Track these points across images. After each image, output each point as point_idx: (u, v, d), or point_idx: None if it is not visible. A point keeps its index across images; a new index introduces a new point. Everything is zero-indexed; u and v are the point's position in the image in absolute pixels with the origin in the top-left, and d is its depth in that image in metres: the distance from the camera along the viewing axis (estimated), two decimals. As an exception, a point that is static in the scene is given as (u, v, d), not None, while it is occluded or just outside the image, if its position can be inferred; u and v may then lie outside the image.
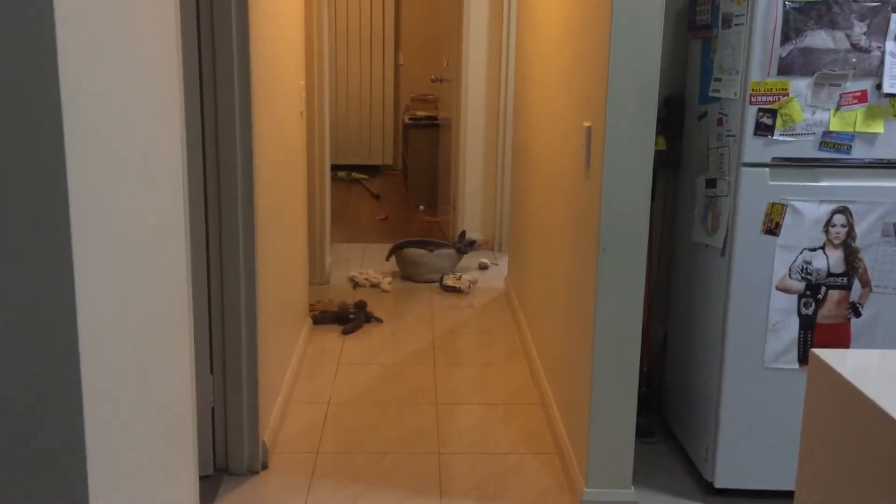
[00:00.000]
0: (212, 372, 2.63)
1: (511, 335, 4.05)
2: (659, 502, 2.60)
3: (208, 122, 2.48)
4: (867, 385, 1.21)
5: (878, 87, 2.35)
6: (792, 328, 2.48)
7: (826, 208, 2.42)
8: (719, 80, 2.51)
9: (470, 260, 5.22)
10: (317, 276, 4.69)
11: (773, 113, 2.37)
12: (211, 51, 2.45)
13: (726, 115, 2.49)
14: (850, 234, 2.43)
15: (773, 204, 2.43)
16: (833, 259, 2.45)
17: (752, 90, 2.37)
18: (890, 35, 2.32)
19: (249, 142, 2.51)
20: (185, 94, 2.05)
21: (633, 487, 2.53)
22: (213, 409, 2.66)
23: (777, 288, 2.46)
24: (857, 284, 2.47)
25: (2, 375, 1.23)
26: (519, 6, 4.40)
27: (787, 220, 2.42)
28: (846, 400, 1.24)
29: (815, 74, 2.34)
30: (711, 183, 2.58)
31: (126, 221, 1.47)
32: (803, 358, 2.49)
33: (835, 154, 2.39)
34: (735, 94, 2.42)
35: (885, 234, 2.44)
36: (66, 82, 1.19)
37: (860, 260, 2.45)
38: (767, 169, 2.42)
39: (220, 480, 2.67)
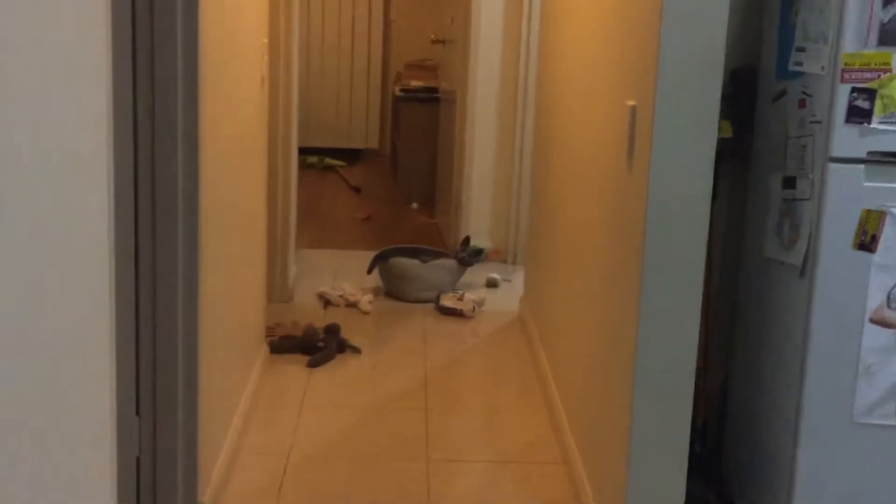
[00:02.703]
0: (138, 413, 2.63)
1: (526, 373, 4.05)
2: None
3: (141, 89, 2.47)
4: None
5: None
6: (890, 373, 2.48)
7: (937, 218, 2.42)
8: (803, 50, 2.51)
9: (475, 274, 5.22)
10: (277, 291, 4.69)
11: (870, 94, 2.38)
12: (147, -2, 2.45)
13: (810, 96, 2.49)
14: (968, 253, 2.43)
15: (869, 211, 2.42)
16: (945, 284, 2.45)
17: (845, 64, 2.37)
18: None
19: (194, 116, 2.51)
20: (114, 51, 2.05)
21: (680, 575, 2.52)
22: (138, 461, 2.66)
23: (871, 320, 2.46)
24: (975, 318, 2.47)
25: None
26: (546, -51, 4.41)
27: (887, 233, 2.42)
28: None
29: (927, 45, 2.35)
30: (790, 182, 2.58)
31: (24, 220, 1.46)
32: (905, 411, 2.49)
33: (950, 149, 2.40)
34: (822, 68, 2.42)
35: None
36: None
37: (980, 286, 2.45)
38: (862, 166, 2.42)
39: (146, 554, 2.67)
